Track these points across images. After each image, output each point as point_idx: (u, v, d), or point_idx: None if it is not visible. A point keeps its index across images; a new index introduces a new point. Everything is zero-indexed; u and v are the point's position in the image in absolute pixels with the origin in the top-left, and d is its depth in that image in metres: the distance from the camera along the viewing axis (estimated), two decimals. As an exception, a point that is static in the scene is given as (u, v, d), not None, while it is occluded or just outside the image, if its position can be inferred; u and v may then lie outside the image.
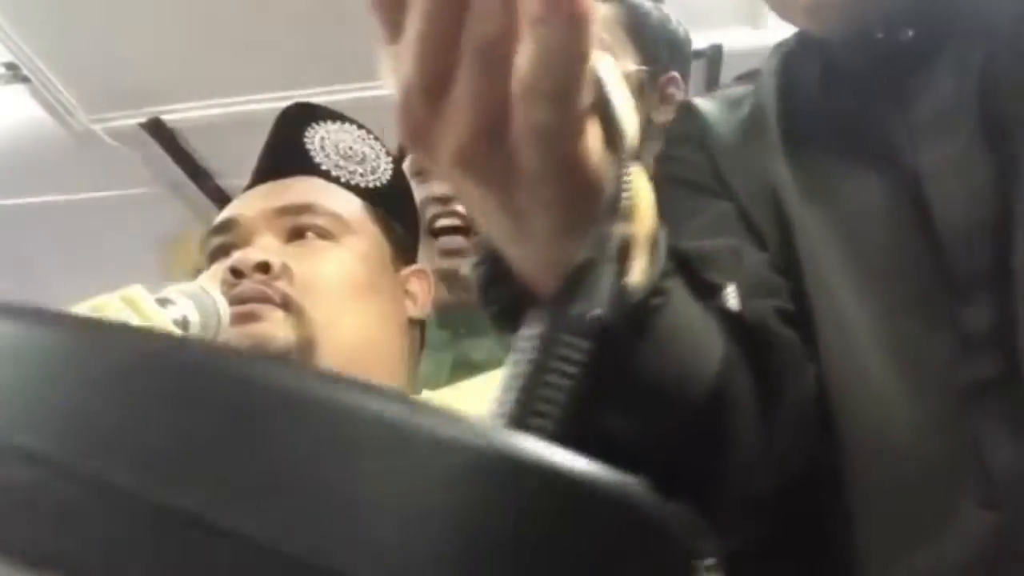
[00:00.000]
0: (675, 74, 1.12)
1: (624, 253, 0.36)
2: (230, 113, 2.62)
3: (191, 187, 2.99)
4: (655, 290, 0.41)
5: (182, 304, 0.79)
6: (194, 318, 0.79)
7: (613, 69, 0.36)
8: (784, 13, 0.68)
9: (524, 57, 0.33)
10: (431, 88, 0.35)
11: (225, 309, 0.82)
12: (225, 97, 2.60)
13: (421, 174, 1.44)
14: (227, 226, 0.96)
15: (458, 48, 0.34)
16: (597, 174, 0.37)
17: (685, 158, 0.75)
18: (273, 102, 2.49)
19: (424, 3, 0.34)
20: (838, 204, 0.67)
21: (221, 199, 2.97)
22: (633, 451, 0.29)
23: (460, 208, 1.36)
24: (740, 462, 0.54)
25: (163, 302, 0.78)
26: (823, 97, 0.71)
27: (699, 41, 2.02)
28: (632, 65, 1.06)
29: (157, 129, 2.70)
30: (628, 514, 0.17)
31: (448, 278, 1.41)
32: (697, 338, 0.50)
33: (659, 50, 1.10)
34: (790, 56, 0.76)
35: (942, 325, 0.61)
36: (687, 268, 0.52)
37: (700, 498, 0.23)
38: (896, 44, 0.66)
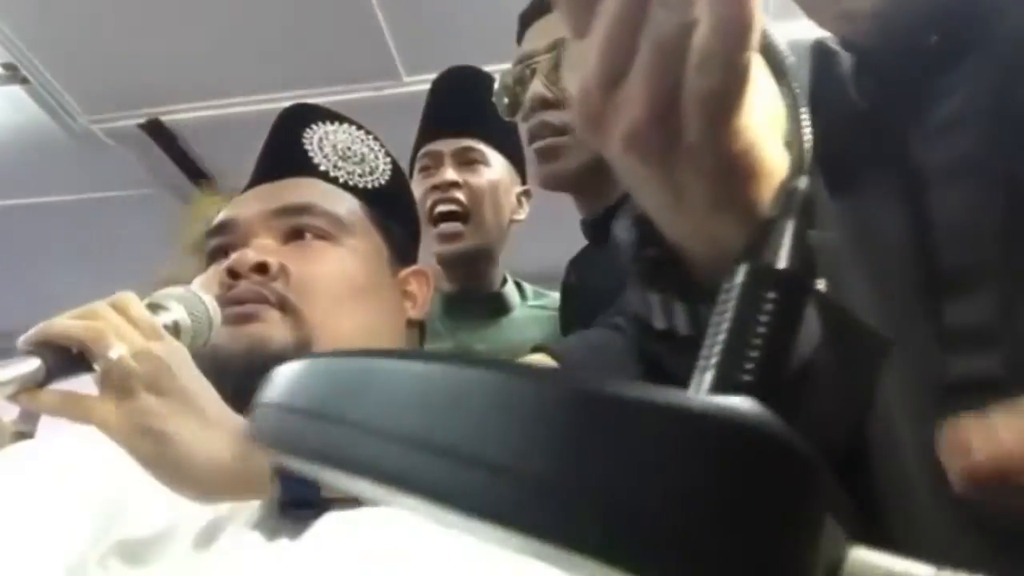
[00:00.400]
0: None
1: (807, 206, 0.37)
2: (229, 114, 2.62)
3: (190, 188, 2.99)
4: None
5: (173, 309, 0.79)
6: (185, 323, 0.79)
7: (778, 34, 0.40)
8: (816, 17, 0.69)
9: (699, 33, 0.37)
10: (610, 80, 0.40)
11: (216, 312, 0.82)
12: (224, 98, 2.60)
13: (425, 169, 1.46)
14: (225, 227, 0.96)
15: (636, 43, 0.39)
16: (754, 147, 0.41)
17: None
18: (272, 103, 2.50)
19: (613, 4, 0.38)
20: (856, 204, 0.68)
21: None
22: None
23: (458, 195, 1.42)
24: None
25: (154, 307, 0.78)
26: (853, 97, 0.72)
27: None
28: None
29: (156, 130, 2.71)
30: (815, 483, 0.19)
31: (447, 263, 1.42)
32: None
33: None
34: (824, 56, 0.76)
35: (929, 321, 0.62)
36: None
37: None
38: (921, 49, 0.67)
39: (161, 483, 0.65)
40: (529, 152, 1.18)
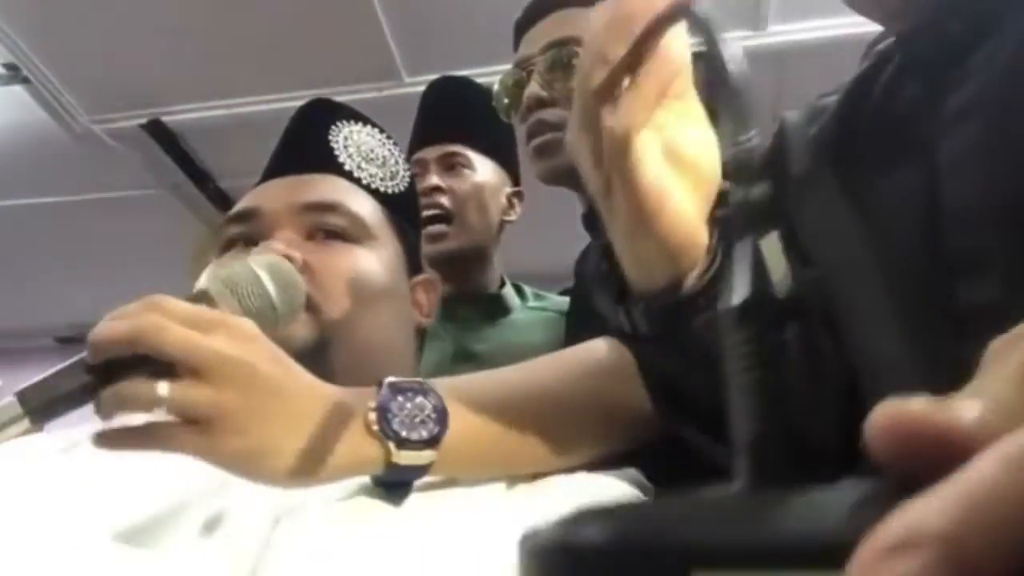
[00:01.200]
0: None
1: (762, 217, 0.36)
2: (231, 115, 2.63)
3: (191, 188, 3.00)
4: None
5: (221, 302, 0.74)
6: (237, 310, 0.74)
7: (729, 50, 0.42)
8: (852, 3, 0.69)
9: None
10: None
11: (287, 289, 0.79)
12: (226, 99, 2.61)
13: (417, 174, 1.48)
14: (247, 215, 0.94)
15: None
16: (655, 189, 0.53)
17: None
18: (274, 104, 2.51)
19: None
20: (874, 203, 0.68)
21: (221, 201, 2.99)
22: None
23: (442, 199, 1.46)
24: None
25: (198, 300, 0.72)
26: (888, 93, 0.73)
27: (698, 43, 2.02)
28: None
29: (157, 130, 2.71)
30: None
31: (435, 264, 1.44)
32: None
33: None
34: (879, 53, 0.77)
35: (941, 305, 0.62)
36: None
37: None
38: (944, 36, 0.68)
39: (255, 482, 0.63)
40: (528, 150, 1.20)
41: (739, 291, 0.32)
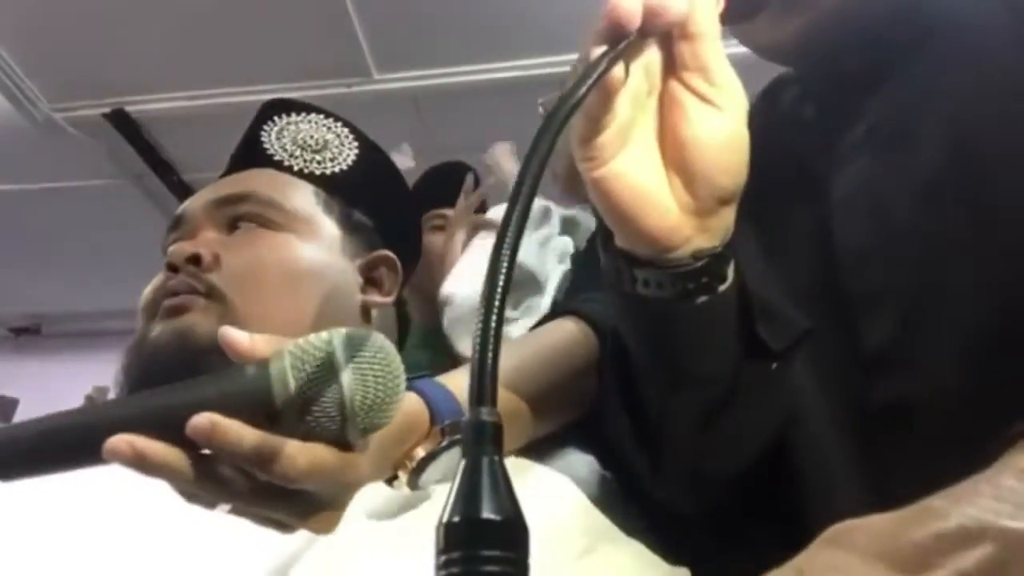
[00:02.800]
0: None
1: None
2: (195, 106, 2.60)
3: (153, 179, 2.96)
4: None
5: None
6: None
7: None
8: (747, 45, 0.70)
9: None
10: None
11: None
12: (191, 90, 2.58)
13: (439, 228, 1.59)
14: (177, 222, 0.96)
15: None
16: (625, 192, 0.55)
17: None
18: (240, 97, 2.48)
19: None
20: (774, 235, 0.69)
21: (184, 192, 2.95)
22: None
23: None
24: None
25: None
26: (788, 129, 0.73)
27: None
28: None
29: (120, 120, 2.67)
30: None
31: None
32: None
33: None
34: (772, 91, 0.78)
35: (848, 347, 0.62)
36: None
37: None
38: (842, 75, 0.68)
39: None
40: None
41: None
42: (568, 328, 0.81)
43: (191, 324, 0.82)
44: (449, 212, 1.58)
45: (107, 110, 2.63)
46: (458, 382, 0.71)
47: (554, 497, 0.77)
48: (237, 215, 0.92)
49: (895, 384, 0.59)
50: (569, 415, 0.79)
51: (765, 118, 0.76)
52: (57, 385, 2.39)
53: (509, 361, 0.79)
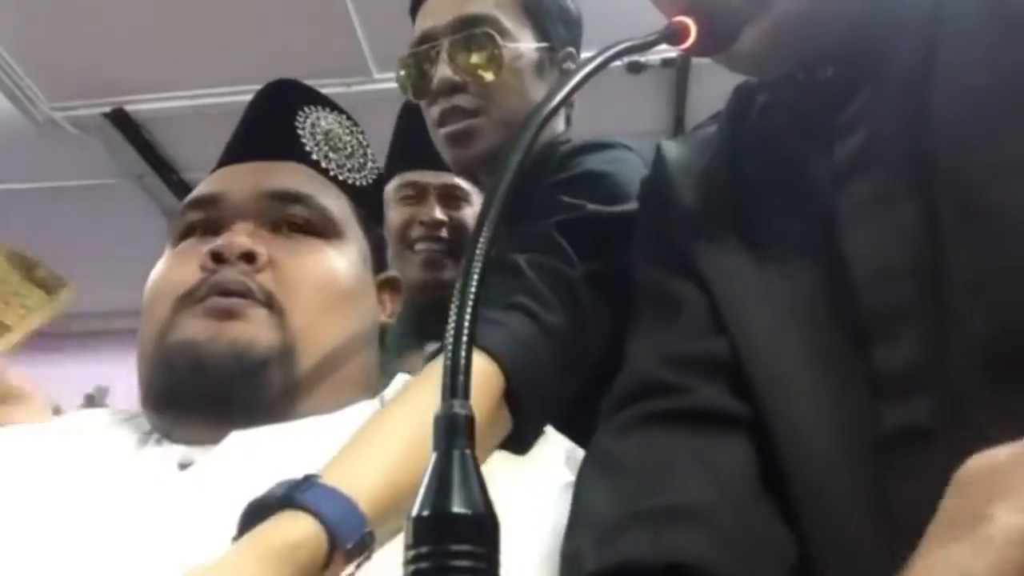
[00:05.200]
0: (571, 50, 1.16)
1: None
2: (195, 106, 2.60)
3: (154, 178, 2.96)
4: None
5: None
6: None
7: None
8: (716, 60, 0.69)
9: None
10: None
11: None
12: (191, 90, 2.58)
13: (408, 197, 1.52)
14: (208, 201, 0.86)
15: None
16: None
17: (646, 253, 0.79)
18: (239, 96, 2.48)
19: None
20: (768, 250, 0.68)
21: (184, 191, 2.95)
22: None
23: (444, 234, 1.49)
24: None
25: None
26: (763, 141, 0.72)
27: (668, 50, 2.04)
28: (532, 43, 1.09)
29: (120, 119, 2.68)
30: None
31: (429, 288, 1.46)
32: None
33: (556, 27, 1.13)
34: (740, 97, 0.77)
35: (858, 372, 0.61)
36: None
37: None
38: (817, 83, 0.67)
39: None
40: (440, 137, 1.13)
41: None
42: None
43: (253, 337, 0.76)
44: (420, 179, 1.51)
45: (107, 109, 2.64)
46: (358, 480, 0.63)
47: (540, 442, 0.78)
48: (289, 216, 0.85)
49: (915, 408, 0.58)
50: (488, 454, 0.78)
51: (739, 123, 0.75)
52: (57, 385, 2.39)
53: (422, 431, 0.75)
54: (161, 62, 2.47)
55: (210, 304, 0.76)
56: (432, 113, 1.12)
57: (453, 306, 0.31)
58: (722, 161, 0.75)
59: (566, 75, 0.46)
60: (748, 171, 0.73)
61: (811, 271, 0.65)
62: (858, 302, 0.61)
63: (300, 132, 0.94)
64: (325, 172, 0.93)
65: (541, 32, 1.12)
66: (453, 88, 1.08)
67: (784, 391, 0.64)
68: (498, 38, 1.05)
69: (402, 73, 1.17)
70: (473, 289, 0.31)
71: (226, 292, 0.77)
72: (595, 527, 0.58)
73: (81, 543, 0.62)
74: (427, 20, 1.15)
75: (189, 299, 0.77)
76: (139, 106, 2.64)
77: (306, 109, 0.96)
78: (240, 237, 0.79)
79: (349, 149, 0.96)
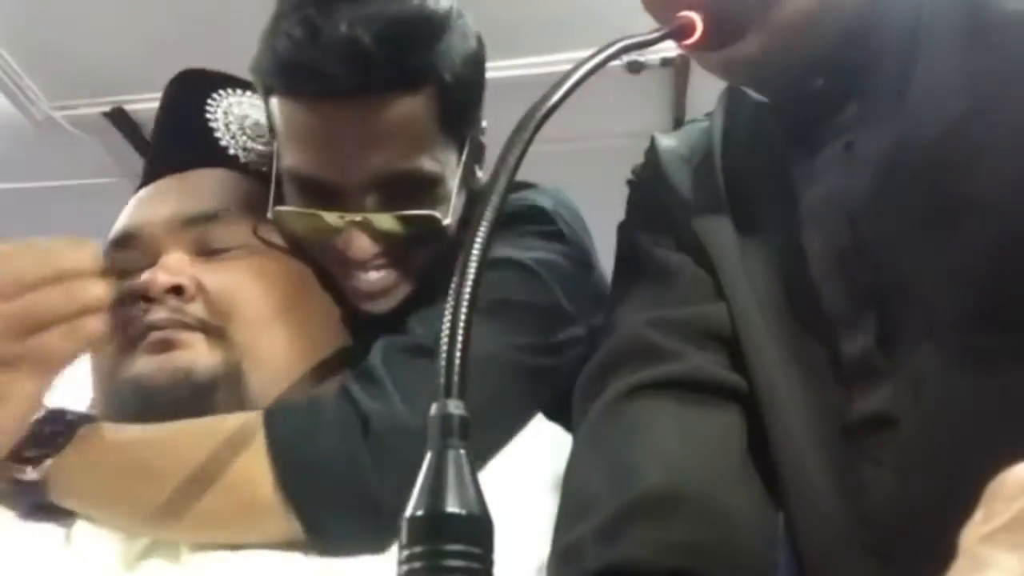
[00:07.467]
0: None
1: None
2: (195, 105, 2.59)
3: (153, 178, 2.96)
4: None
5: None
6: None
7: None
8: (705, 66, 0.69)
9: None
10: None
11: None
12: (190, 89, 2.57)
13: None
14: (128, 241, 0.86)
15: None
16: None
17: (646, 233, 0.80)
18: (239, 95, 2.48)
19: None
20: (757, 245, 0.69)
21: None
22: None
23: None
24: None
25: None
26: (754, 137, 0.73)
27: (668, 50, 2.04)
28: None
29: (120, 119, 2.67)
30: None
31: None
32: None
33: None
34: (734, 94, 0.78)
35: (828, 359, 0.62)
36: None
37: None
38: (807, 93, 0.68)
39: None
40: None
41: None
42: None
43: (192, 362, 0.77)
44: None
45: (107, 109, 2.63)
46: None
47: (531, 434, 0.79)
48: (207, 240, 0.84)
49: (877, 395, 0.59)
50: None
51: (731, 117, 0.76)
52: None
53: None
54: (160, 61, 2.46)
55: (150, 340, 0.78)
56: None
57: (448, 306, 0.31)
58: (713, 151, 0.77)
59: (566, 73, 0.46)
60: (737, 163, 0.74)
61: (779, 266, 0.68)
62: (821, 292, 0.63)
63: (214, 126, 0.92)
64: (244, 167, 0.91)
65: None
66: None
67: (768, 374, 0.65)
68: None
69: None
70: (468, 288, 0.31)
71: (160, 327, 0.78)
72: (592, 517, 0.59)
73: None
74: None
75: (130, 343, 0.79)
76: (139, 106, 2.63)
77: (216, 96, 0.95)
78: (161, 275, 0.79)
79: (268, 134, 0.92)
